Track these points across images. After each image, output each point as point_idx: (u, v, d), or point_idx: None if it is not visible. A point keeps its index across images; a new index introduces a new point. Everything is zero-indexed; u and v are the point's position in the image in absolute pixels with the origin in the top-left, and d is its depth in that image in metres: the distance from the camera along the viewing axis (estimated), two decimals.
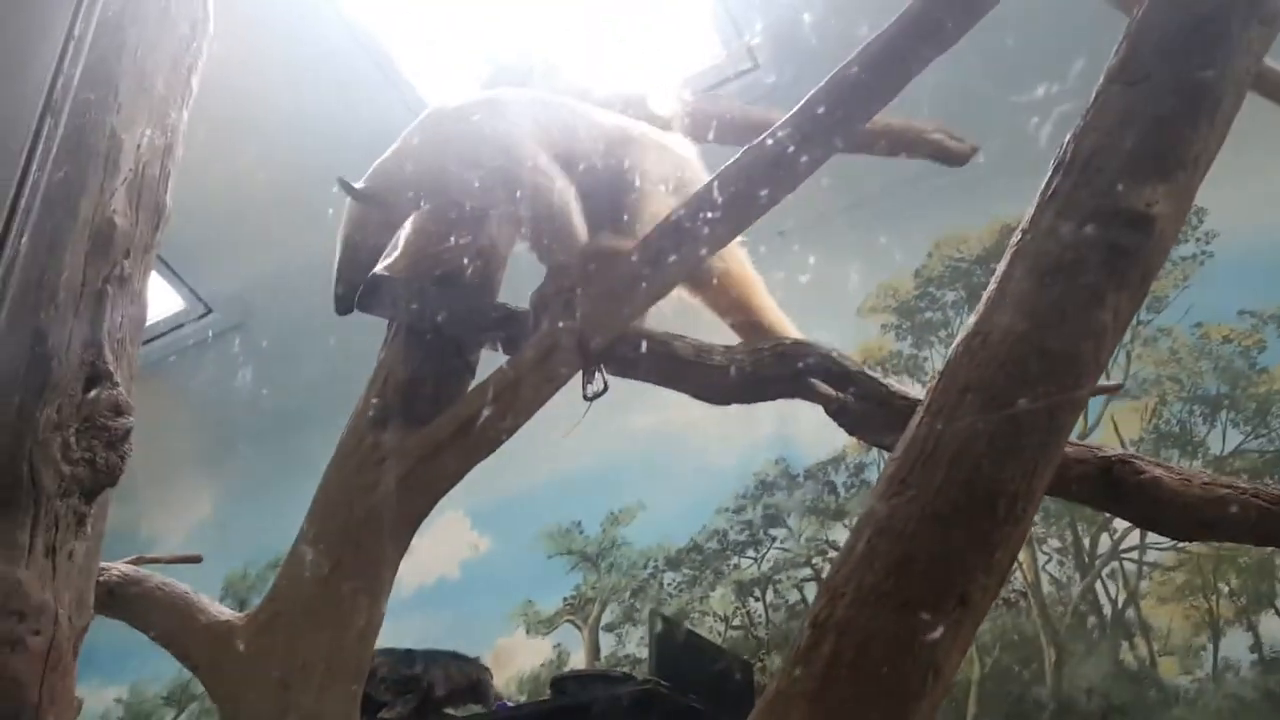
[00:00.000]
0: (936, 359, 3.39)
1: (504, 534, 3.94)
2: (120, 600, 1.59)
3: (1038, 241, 0.92)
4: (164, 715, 4.21)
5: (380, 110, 3.00)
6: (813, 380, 1.53)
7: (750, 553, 3.43)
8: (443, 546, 3.90)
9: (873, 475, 3.29)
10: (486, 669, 3.14)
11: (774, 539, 3.41)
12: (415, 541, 1.54)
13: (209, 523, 4.50)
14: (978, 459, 0.85)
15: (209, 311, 4.03)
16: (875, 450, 3.28)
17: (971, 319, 0.92)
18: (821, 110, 1.23)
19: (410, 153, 1.56)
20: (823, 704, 0.85)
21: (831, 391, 1.52)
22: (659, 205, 1.48)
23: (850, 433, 1.54)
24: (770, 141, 1.26)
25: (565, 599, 3.70)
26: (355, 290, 1.56)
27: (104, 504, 1.16)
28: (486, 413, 1.55)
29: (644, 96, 2.00)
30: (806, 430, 3.42)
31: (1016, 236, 0.94)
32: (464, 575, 3.94)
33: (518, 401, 1.53)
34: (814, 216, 3.31)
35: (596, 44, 2.60)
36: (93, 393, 1.13)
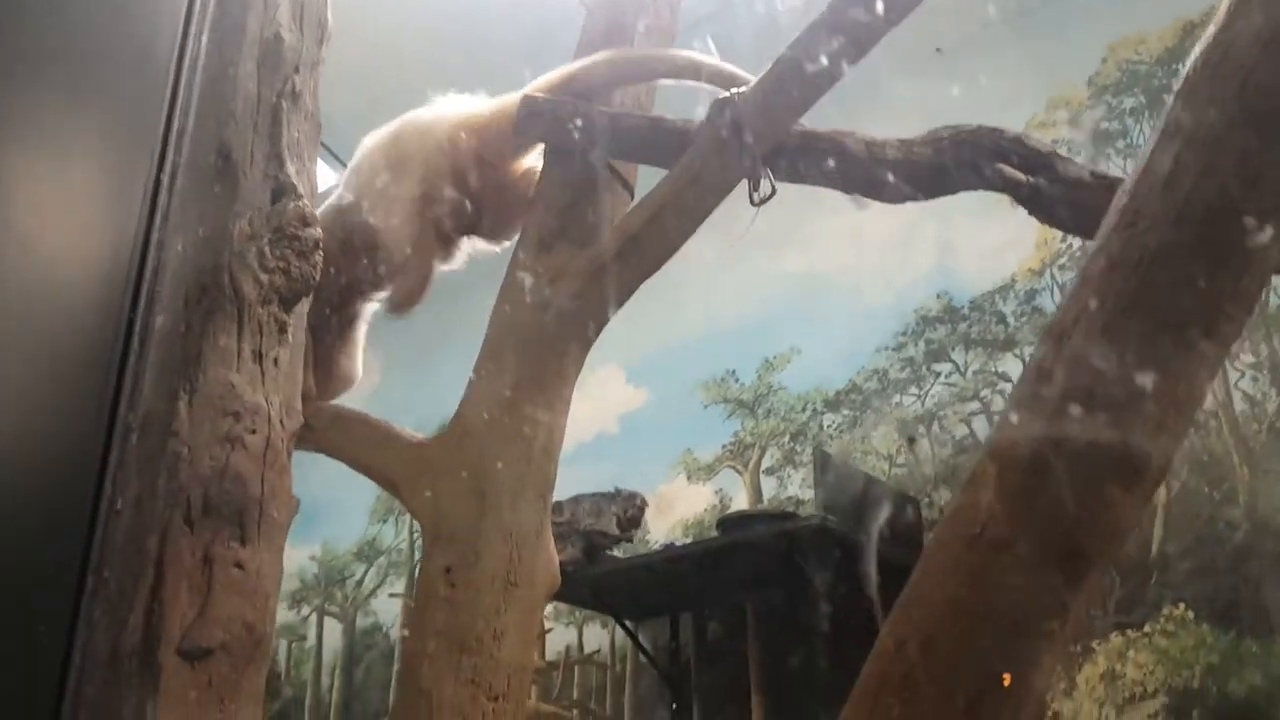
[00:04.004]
0: (1114, 170, 3.14)
1: (659, 386, 3.97)
2: (319, 432, 1.67)
3: None
4: (355, 569, 4.52)
5: None
6: (1001, 166, 1.43)
7: (913, 390, 3.35)
8: (599, 402, 3.96)
9: (1045, 301, 3.13)
10: (625, 494, 3.15)
11: (938, 375, 3.32)
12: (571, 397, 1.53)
13: (379, 392, 4.70)
14: (1225, 178, 0.76)
15: None
16: (1049, 274, 3.12)
17: (1211, 28, 0.82)
18: None
19: None
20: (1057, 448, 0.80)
21: (1021, 176, 1.42)
22: None
23: (1043, 220, 1.44)
24: None
25: (724, 446, 3.72)
26: None
27: (301, 315, 1.20)
28: (652, 227, 1.53)
29: None
30: (968, 262, 3.27)
31: None
32: (622, 429, 4.00)
33: (682, 213, 1.50)
34: (973, 30, 3.07)
35: None
36: (279, 205, 1.16)
